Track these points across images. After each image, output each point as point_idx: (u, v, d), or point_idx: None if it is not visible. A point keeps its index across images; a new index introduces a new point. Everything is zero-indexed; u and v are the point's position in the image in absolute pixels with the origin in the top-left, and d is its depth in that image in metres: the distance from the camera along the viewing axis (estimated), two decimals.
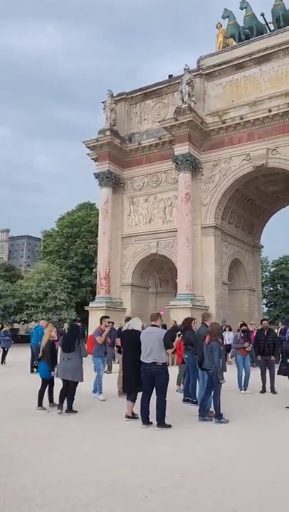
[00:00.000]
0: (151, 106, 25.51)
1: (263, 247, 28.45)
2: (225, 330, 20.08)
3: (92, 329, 21.89)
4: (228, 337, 18.06)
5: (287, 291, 56.75)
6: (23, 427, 7.28)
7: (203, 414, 7.92)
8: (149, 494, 4.43)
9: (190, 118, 21.60)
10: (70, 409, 8.47)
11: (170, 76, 25.70)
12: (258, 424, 7.74)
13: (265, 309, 45.85)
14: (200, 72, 23.56)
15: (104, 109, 25.73)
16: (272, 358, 11.36)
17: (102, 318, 9.93)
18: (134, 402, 7.95)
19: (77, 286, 42.69)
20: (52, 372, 8.88)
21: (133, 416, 8.05)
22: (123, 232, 24.95)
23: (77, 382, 8.58)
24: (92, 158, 26.33)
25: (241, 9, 24.00)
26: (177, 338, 8.42)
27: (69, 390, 8.51)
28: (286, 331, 16.96)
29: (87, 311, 22.76)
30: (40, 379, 8.96)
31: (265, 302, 46.82)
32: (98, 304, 23.17)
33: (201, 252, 22.09)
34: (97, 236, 44.48)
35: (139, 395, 7.98)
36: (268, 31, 23.81)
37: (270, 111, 20.82)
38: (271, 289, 48.77)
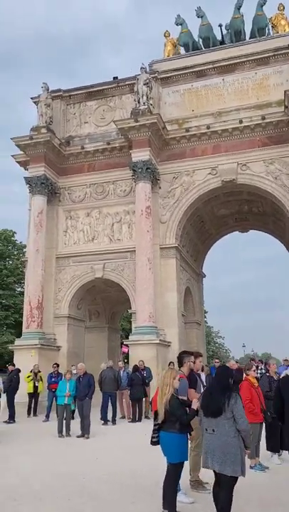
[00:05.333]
0: (93, 108, 21.89)
1: (205, 276, 25.96)
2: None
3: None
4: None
5: None
6: None
7: None
8: None
9: (153, 120, 18.54)
10: None
11: (115, 78, 22.64)
12: None
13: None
14: (156, 75, 20.84)
15: (37, 104, 21.42)
16: None
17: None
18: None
19: None
20: None
21: None
22: (58, 251, 20.31)
23: (234, 478, 4.42)
24: (18, 162, 21.64)
25: (198, 17, 22.20)
26: None
27: (218, 495, 4.42)
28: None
29: None
30: (167, 464, 5.05)
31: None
32: (29, 342, 17.93)
33: (160, 276, 18.62)
34: None
35: None
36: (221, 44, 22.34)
37: (241, 122, 18.78)
38: None
